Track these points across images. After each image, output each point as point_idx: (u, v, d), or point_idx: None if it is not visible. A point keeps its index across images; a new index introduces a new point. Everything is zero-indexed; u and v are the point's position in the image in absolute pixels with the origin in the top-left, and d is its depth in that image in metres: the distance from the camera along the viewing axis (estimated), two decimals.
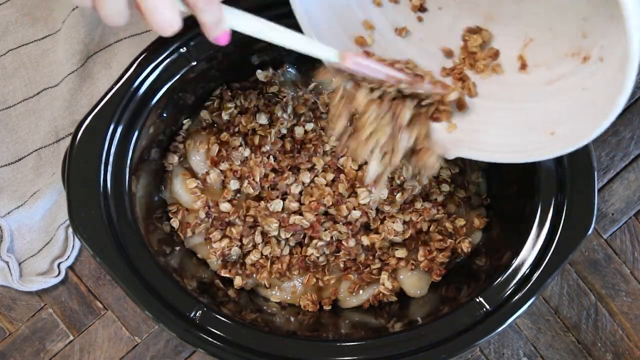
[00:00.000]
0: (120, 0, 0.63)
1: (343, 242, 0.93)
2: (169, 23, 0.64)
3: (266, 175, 0.94)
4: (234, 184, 0.94)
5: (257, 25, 0.73)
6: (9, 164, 1.04)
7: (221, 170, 0.96)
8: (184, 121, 0.96)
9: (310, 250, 0.94)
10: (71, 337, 1.03)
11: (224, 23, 0.69)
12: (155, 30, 0.64)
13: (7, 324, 1.03)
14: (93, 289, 1.03)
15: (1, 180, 1.04)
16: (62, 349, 1.03)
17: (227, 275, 0.95)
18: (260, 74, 0.96)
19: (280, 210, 0.93)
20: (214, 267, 0.96)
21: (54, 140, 1.04)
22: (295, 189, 0.94)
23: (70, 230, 1.03)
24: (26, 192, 1.03)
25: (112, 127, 0.84)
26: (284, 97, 0.96)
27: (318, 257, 0.94)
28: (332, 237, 0.93)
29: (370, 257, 0.94)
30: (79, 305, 1.03)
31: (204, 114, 0.96)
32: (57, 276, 1.02)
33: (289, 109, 0.96)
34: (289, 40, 0.75)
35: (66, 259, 1.02)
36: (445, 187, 0.95)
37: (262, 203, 0.94)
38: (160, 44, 0.85)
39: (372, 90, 0.76)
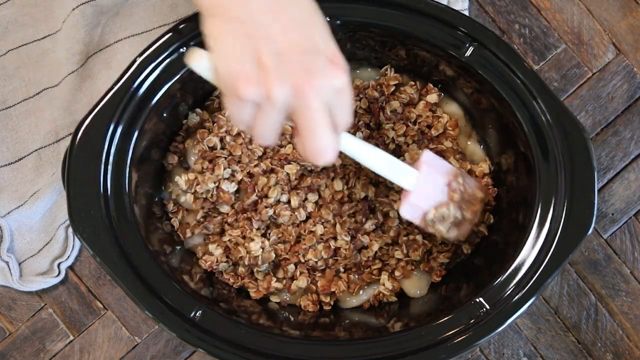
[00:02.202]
0: (279, 122, 0.65)
1: (341, 248, 0.93)
2: (327, 149, 0.65)
3: (266, 172, 0.95)
4: (233, 186, 0.94)
5: (359, 150, 0.81)
6: (9, 164, 1.04)
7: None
8: (184, 121, 0.96)
9: (308, 256, 0.94)
10: (71, 337, 1.03)
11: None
12: (309, 155, 0.66)
13: (7, 324, 1.02)
14: (93, 289, 1.03)
15: (1, 180, 1.04)
16: (62, 349, 1.02)
17: (225, 280, 0.95)
18: None
19: (259, 254, 0.93)
20: None
21: (54, 140, 1.04)
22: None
23: (70, 230, 1.03)
24: (26, 192, 1.03)
25: (112, 127, 0.84)
26: None
27: (317, 262, 0.94)
28: (328, 242, 0.93)
29: (370, 259, 0.94)
30: (79, 305, 1.03)
31: (204, 114, 0.96)
32: (57, 276, 1.02)
33: None
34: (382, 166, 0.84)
35: (66, 259, 1.02)
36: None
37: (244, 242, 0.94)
38: (160, 44, 0.85)
39: None
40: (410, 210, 0.87)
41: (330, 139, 0.65)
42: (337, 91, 0.65)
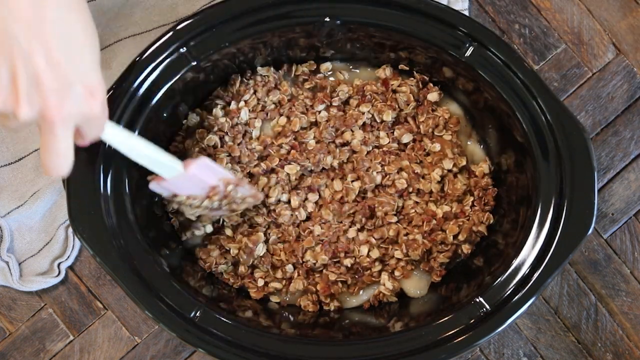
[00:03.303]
0: (21, 129, 0.65)
1: (341, 249, 0.93)
2: (60, 168, 0.66)
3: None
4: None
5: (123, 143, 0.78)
6: (9, 164, 1.04)
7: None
8: (184, 121, 0.96)
9: (307, 257, 0.94)
10: (71, 337, 1.03)
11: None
12: (44, 167, 0.66)
13: (7, 324, 1.02)
14: (93, 289, 1.03)
15: (1, 180, 1.04)
16: (62, 349, 1.02)
17: (225, 280, 0.95)
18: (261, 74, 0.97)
19: (262, 254, 0.94)
20: None
21: None
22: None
23: (70, 230, 1.03)
24: (26, 192, 1.03)
25: None
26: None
27: (315, 263, 0.94)
28: (328, 243, 0.94)
29: (370, 261, 0.94)
30: (79, 305, 1.03)
31: (204, 114, 0.96)
32: (57, 276, 1.02)
33: (286, 108, 0.96)
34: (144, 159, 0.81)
35: (66, 259, 1.02)
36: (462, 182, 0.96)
37: (244, 240, 0.94)
38: (160, 44, 0.85)
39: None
40: (159, 188, 0.86)
41: (64, 161, 0.66)
42: (89, 119, 0.65)
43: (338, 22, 0.88)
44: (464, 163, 0.96)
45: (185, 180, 0.84)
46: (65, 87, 0.62)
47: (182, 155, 0.96)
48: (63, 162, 0.66)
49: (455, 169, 0.96)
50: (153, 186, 0.86)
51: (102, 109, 0.66)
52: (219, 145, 0.94)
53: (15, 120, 0.62)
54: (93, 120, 0.67)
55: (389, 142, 0.96)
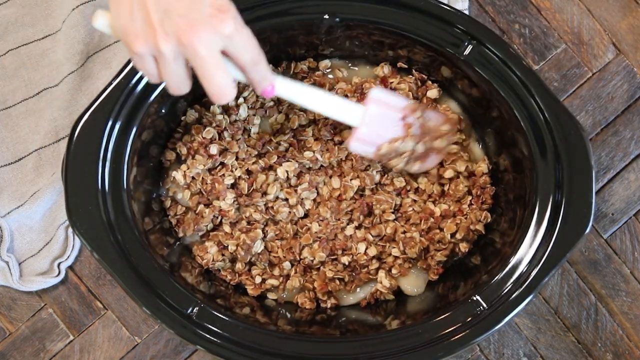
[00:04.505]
0: (181, 71, 0.69)
1: (339, 247, 0.94)
2: (224, 90, 0.69)
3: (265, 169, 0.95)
4: (228, 179, 0.95)
5: (297, 91, 0.82)
6: (9, 164, 1.04)
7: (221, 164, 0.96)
8: (182, 118, 0.96)
9: (304, 254, 0.94)
10: (71, 337, 1.03)
11: (269, 80, 0.76)
12: (211, 97, 0.70)
13: (7, 324, 1.03)
14: (93, 289, 1.03)
15: (1, 180, 1.04)
16: (62, 349, 1.03)
17: (222, 277, 0.95)
18: None
19: (259, 251, 0.94)
20: None
21: (54, 140, 1.04)
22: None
23: (70, 230, 1.03)
24: (26, 192, 1.04)
25: (110, 123, 0.84)
26: None
27: (313, 260, 0.94)
28: (326, 240, 0.94)
29: (368, 258, 0.94)
30: (79, 305, 1.03)
31: (202, 110, 0.96)
32: (57, 276, 1.02)
33: (285, 106, 0.97)
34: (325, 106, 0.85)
35: (66, 259, 1.02)
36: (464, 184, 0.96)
37: (242, 236, 0.94)
38: None
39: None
40: (360, 145, 0.89)
41: (224, 81, 0.69)
42: (227, 36, 0.68)
43: (337, 19, 0.88)
44: (469, 166, 0.96)
45: (374, 120, 0.87)
46: (194, 9, 0.65)
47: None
48: (224, 84, 0.69)
49: (465, 173, 0.96)
50: (354, 146, 0.89)
51: (235, 25, 0.68)
52: (217, 139, 0.95)
53: (164, 59, 0.67)
54: (234, 39, 0.69)
55: None
